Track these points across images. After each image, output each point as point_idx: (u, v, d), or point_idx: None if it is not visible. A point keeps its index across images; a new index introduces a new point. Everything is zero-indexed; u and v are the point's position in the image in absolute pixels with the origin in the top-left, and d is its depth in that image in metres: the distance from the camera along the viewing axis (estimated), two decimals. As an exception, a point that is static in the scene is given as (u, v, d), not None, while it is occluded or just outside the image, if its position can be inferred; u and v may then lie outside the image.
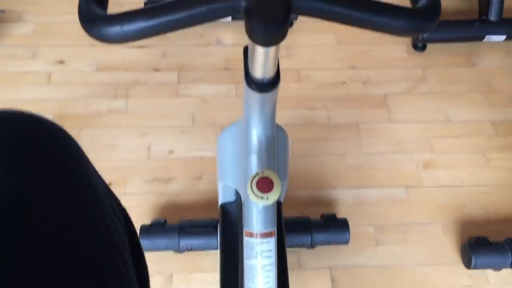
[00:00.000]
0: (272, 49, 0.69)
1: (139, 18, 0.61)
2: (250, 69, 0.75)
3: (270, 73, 0.75)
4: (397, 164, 1.57)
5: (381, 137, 1.63)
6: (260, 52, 0.69)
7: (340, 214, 1.42)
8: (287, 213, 1.22)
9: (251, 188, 0.77)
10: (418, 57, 1.85)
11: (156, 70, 1.76)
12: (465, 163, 1.58)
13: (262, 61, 0.71)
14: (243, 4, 0.61)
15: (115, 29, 0.60)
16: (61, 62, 1.76)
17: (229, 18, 1.84)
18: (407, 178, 1.54)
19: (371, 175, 1.54)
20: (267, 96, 0.78)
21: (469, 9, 1.97)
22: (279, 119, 0.94)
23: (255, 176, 0.78)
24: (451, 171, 1.56)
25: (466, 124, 1.67)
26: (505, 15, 1.80)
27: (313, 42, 1.88)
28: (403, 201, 1.49)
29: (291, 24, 1.90)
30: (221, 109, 1.67)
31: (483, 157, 1.59)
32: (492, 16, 1.79)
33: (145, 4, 1.84)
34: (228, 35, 1.88)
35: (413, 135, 1.63)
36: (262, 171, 0.79)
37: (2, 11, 1.89)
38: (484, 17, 1.81)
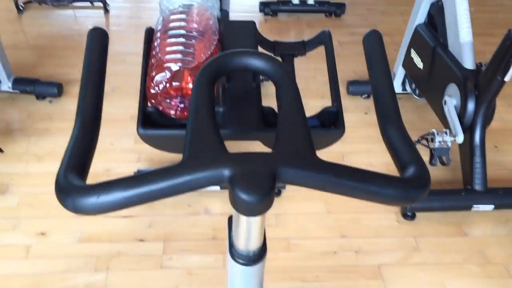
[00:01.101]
0: (257, 219, 0.65)
1: (117, 188, 0.58)
2: (235, 240, 0.70)
3: (255, 245, 0.70)
4: None
5: (379, 312, 1.52)
6: (244, 222, 0.66)
7: None
8: None
9: None
10: (409, 226, 1.82)
11: (141, 240, 1.70)
12: None
13: (247, 232, 0.67)
14: (226, 173, 0.59)
15: (91, 200, 0.57)
16: (42, 234, 1.70)
17: (217, 187, 1.84)
18: None
19: None
20: (253, 269, 0.72)
21: (453, 179, 2.01)
22: (268, 294, 0.87)
23: None
24: None
25: (467, 297, 1.57)
26: (490, 185, 1.83)
27: (302, 211, 1.86)
28: None
29: (279, 192, 1.90)
30: (207, 282, 1.57)
31: (491, 334, 1.46)
32: (477, 186, 1.82)
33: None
34: (216, 204, 1.86)
35: (413, 310, 1.53)
36: None
37: (-10, 184, 1.89)
38: (470, 187, 1.83)
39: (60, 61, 2.67)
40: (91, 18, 3.19)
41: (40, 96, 2.36)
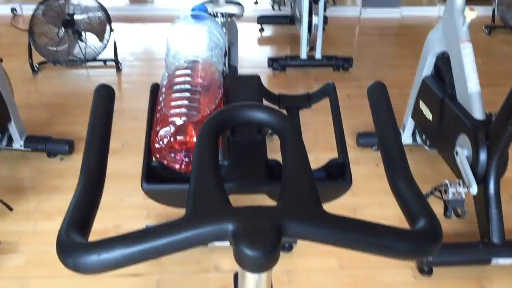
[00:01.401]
0: (263, 275, 0.62)
1: (118, 245, 0.56)
2: (241, 299, 0.67)
3: (262, 303, 0.67)
4: None
5: None
6: (250, 279, 0.63)
7: None
8: None
9: None
10: (426, 281, 1.75)
11: (149, 300, 1.66)
12: None
13: (253, 289, 0.64)
14: (230, 228, 0.57)
15: (92, 258, 0.55)
16: (48, 294, 1.66)
17: (227, 243, 1.80)
18: None
19: None
20: (261, 330, 0.68)
21: (470, 232, 1.95)
22: None
23: None
24: None
25: None
26: (508, 236, 1.77)
27: (314, 267, 1.81)
28: None
29: (290, 247, 1.86)
30: None
31: None
32: (495, 239, 1.76)
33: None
34: (226, 261, 1.82)
35: None
36: None
37: (-1, 243, 1.87)
38: (487, 240, 1.77)
39: (72, 119, 2.71)
40: (104, 77, 3.27)
41: (52, 154, 2.38)
